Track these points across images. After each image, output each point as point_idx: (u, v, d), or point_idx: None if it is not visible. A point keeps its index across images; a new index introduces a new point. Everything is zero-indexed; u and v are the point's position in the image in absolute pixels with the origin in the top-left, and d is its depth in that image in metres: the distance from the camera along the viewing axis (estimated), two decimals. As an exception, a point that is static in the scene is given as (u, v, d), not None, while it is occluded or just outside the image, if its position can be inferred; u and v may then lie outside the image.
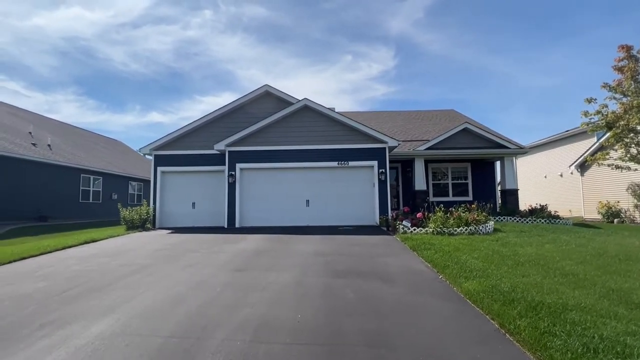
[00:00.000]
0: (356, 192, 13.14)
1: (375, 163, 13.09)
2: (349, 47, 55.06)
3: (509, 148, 15.31)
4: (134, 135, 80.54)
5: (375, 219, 12.69)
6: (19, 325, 3.79)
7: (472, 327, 3.68)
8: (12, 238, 10.91)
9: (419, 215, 10.94)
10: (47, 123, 24.12)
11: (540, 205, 14.41)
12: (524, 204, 17.00)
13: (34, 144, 17.95)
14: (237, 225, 12.87)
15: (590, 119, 12.95)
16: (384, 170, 12.98)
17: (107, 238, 10.34)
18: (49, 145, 19.15)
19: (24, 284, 5.44)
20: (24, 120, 21.14)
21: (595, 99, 12.55)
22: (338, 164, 13.17)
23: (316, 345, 3.25)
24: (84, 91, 61.75)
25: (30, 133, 19.17)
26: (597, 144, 17.03)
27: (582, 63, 52.94)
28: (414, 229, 10.25)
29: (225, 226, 12.92)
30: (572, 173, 20.16)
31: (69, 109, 62.19)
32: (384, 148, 13.19)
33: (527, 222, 12.78)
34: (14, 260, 7.10)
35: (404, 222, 10.56)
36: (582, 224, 14.09)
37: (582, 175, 19.41)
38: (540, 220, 12.93)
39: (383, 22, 48.04)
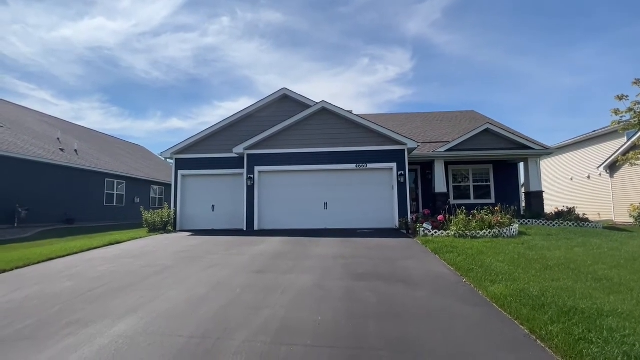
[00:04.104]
0: (375, 194, 12.99)
1: (394, 165, 12.91)
2: (365, 50, 54.93)
3: (533, 149, 14.83)
4: (156, 141, 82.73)
5: (394, 222, 12.49)
6: (46, 324, 3.88)
7: (500, 333, 3.52)
8: (40, 240, 11.32)
9: (440, 217, 10.70)
10: (74, 129, 25.04)
11: (567, 208, 13.88)
12: (549, 207, 16.41)
13: (61, 150, 18.64)
14: (255, 228, 12.94)
15: (622, 117, 12.34)
16: (403, 172, 12.79)
17: (130, 240, 10.58)
18: (75, 151, 19.85)
19: (51, 283, 5.60)
20: (53, 127, 22.01)
21: (627, 96, 11.97)
22: (356, 166, 13.06)
23: (338, 348, 3.17)
24: (108, 99, 63.94)
25: (58, 139, 19.93)
26: (629, 142, 16.27)
27: (608, 61, 50.98)
28: (435, 232, 10.03)
29: (244, 229, 13.01)
30: (600, 175, 19.34)
31: (93, 116, 64.51)
32: (403, 150, 13.00)
33: (554, 225, 12.32)
34: (43, 261, 7.33)
35: (425, 225, 10.35)
36: (613, 228, 13.47)
37: (611, 176, 18.59)
38: (567, 223, 12.45)
39: (400, 25, 47.72)
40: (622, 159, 14.14)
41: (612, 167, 18.22)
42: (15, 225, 14.61)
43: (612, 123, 13.02)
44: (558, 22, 47.50)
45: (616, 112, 12.29)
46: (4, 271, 6.44)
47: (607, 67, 52.76)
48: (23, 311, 4.31)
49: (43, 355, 3.13)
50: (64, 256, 7.90)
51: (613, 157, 17.36)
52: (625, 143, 16.87)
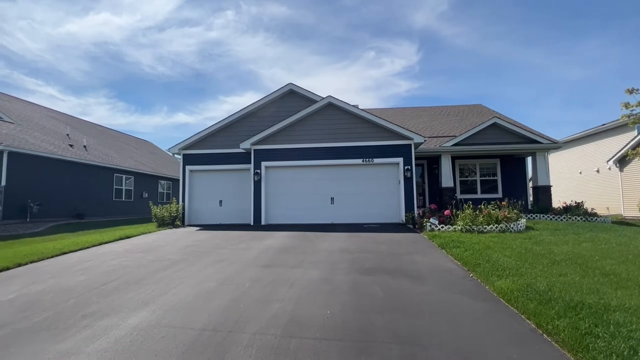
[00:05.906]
0: (381, 189, 13.02)
1: (400, 160, 12.91)
2: (371, 43, 54.53)
3: (542, 143, 14.70)
4: (162, 135, 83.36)
5: (401, 216, 12.52)
6: (63, 316, 4.00)
7: (507, 327, 3.56)
8: (52, 234, 11.55)
9: (446, 212, 10.70)
10: (82, 125, 25.30)
11: (575, 203, 13.78)
12: (557, 201, 16.30)
13: (71, 145, 18.88)
14: (263, 223, 13.05)
15: (632, 110, 12.14)
16: (409, 167, 12.78)
17: (140, 234, 10.75)
18: (84, 146, 20.09)
19: (65, 277, 5.74)
20: (62, 122, 22.27)
21: (637, 90, 11.76)
22: (363, 161, 13.08)
23: (347, 341, 3.24)
24: (114, 94, 64.48)
25: (67, 135, 20.18)
26: (639, 137, 16.06)
27: (620, 53, 50.01)
28: (442, 227, 10.05)
29: (252, 223, 13.13)
30: (609, 168, 19.11)
31: (100, 112, 65.12)
32: (410, 145, 12.99)
33: (562, 220, 12.26)
34: (56, 255, 7.51)
35: (431, 220, 10.36)
36: (622, 222, 13.36)
37: (621, 170, 18.38)
38: (575, 218, 12.39)
39: (406, 16, 47.22)
40: (632, 153, 13.96)
41: (622, 161, 18.00)
42: (28, 220, 14.90)
43: (622, 117, 12.83)
44: (568, 12, 46.64)
45: (626, 105, 12.10)
46: (19, 265, 6.61)
47: (618, 59, 51.82)
48: (40, 304, 4.44)
49: (62, 345, 3.24)
50: (76, 250, 8.07)
51: (623, 151, 17.15)
52: (635, 137, 16.65)
